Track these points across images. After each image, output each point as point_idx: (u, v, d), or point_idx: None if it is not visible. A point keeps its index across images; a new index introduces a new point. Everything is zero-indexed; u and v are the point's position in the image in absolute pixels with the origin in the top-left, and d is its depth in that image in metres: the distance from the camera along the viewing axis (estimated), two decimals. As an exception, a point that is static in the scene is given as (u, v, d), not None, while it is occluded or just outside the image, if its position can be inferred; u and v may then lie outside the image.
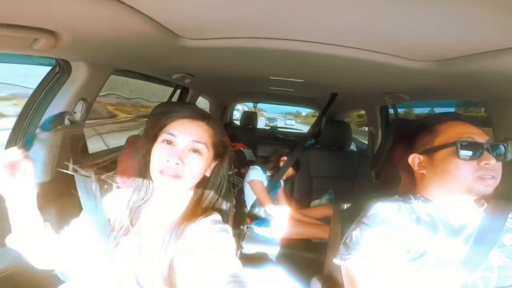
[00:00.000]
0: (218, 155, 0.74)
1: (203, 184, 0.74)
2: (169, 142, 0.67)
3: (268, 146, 2.31)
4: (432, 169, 0.73)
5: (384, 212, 0.72)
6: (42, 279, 0.91)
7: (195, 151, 0.67)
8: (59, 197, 1.09)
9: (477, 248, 0.67)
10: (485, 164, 0.66)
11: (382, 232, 0.70)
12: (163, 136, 0.68)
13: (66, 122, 1.08)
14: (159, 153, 0.67)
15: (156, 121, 0.72)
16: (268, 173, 1.93)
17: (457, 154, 0.67)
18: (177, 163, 0.64)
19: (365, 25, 0.69)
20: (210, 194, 0.74)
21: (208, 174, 0.74)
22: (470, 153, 0.67)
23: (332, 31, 0.77)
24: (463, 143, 0.67)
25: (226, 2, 0.63)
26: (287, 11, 0.66)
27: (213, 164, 0.74)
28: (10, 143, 1.06)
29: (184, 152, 0.66)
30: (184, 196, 0.73)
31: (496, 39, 0.66)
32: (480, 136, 0.69)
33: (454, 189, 0.70)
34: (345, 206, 1.00)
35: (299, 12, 0.66)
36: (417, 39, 0.74)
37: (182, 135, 0.67)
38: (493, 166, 0.67)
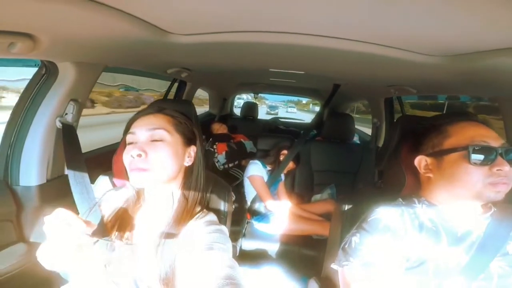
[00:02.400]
0: (190, 140, 0.74)
1: (186, 177, 0.74)
2: (132, 143, 0.68)
3: (269, 138, 2.28)
4: (440, 172, 0.70)
5: (385, 218, 0.70)
6: (47, 279, 0.93)
7: (157, 139, 0.68)
8: (55, 198, 1.10)
9: (479, 256, 0.65)
10: (498, 170, 0.62)
11: (382, 239, 0.67)
12: (126, 138, 0.70)
13: (58, 124, 1.05)
14: (125, 154, 0.68)
15: (124, 129, 0.73)
16: (268, 168, 1.90)
17: (468, 158, 0.63)
18: (139, 155, 0.65)
19: (371, 18, 0.64)
20: (193, 186, 0.74)
21: (187, 164, 0.73)
22: (482, 158, 0.63)
23: (335, 24, 0.72)
24: (475, 147, 0.63)
25: None
26: (284, 3, 0.61)
27: (192, 152, 0.74)
28: (3, 148, 1.05)
29: (145, 144, 0.67)
30: (172, 194, 0.73)
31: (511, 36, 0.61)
32: (494, 140, 0.65)
33: (462, 195, 0.66)
34: (346, 206, 0.97)
35: (299, 4, 0.61)
36: (427, 33, 0.69)
37: (139, 129, 0.68)
38: (506, 172, 0.63)
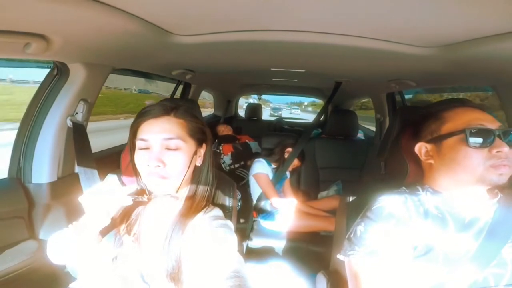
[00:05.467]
0: (201, 141, 0.74)
1: (195, 175, 0.74)
2: (144, 148, 0.67)
3: (273, 137, 2.29)
4: (440, 158, 0.70)
5: (389, 205, 0.69)
6: (56, 276, 0.95)
7: (172, 148, 0.67)
8: (66, 195, 1.13)
9: (489, 242, 0.63)
10: (498, 152, 0.62)
11: (387, 227, 0.67)
12: (137, 144, 0.68)
13: (68, 123, 1.09)
14: (138, 161, 0.67)
15: (130, 130, 0.71)
16: (273, 165, 1.91)
17: (466, 141, 0.63)
18: (158, 166, 0.64)
19: (365, 12, 0.66)
20: (202, 183, 0.74)
21: (199, 164, 0.74)
22: (480, 140, 0.63)
23: (332, 20, 0.74)
24: (472, 130, 0.63)
25: None
26: (282, 2, 0.63)
27: (202, 151, 0.74)
28: (16, 146, 1.09)
29: (161, 153, 0.66)
30: (181, 191, 0.73)
31: (502, 22, 0.62)
32: (490, 123, 0.65)
33: (464, 180, 0.66)
34: (351, 198, 0.98)
35: (297, 2, 0.63)
36: (419, 24, 0.71)
37: (153, 137, 0.66)
38: (506, 154, 0.62)
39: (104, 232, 0.70)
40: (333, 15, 0.70)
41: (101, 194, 0.63)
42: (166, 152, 0.66)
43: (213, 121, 3.44)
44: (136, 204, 0.75)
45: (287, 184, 1.98)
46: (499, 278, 0.61)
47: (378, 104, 2.31)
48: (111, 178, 1.07)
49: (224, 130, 2.86)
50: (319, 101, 4.92)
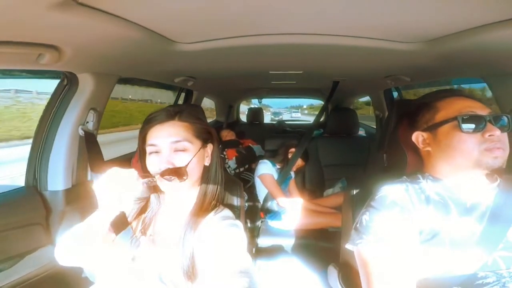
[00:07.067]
0: (208, 141, 0.76)
1: (204, 174, 0.77)
2: (154, 152, 0.70)
3: (276, 139, 2.32)
4: (437, 145, 0.72)
5: (392, 193, 0.71)
6: (75, 281, 0.98)
7: (180, 150, 0.70)
8: (81, 202, 1.17)
9: (493, 226, 0.64)
10: (490, 135, 0.65)
11: (391, 214, 0.68)
12: (147, 149, 0.71)
13: (80, 132, 1.14)
14: (150, 165, 0.70)
15: (139, 137, 0.74)
16: (278, 166, 1.94)
17: (459, 127, 0.66)
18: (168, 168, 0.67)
19: (355, 12, 0.69)
20: (211, 182, 0.77)
21: (207, 164, 0.77)
22: (473, 126, 0.66)
23: (325, 22, 0.78)
24: (464, 117, 0.66)
25: (212, 5, 0.65)
26: (276, 7, 0.67)
27: (210, 151, 0.77)
28: (32, 155, 1.14)
29: (170, 156, 0.69)
30: (192, 191, 0.76)
31: (485, 14, 0.65)
32: (481, 109, 0.68)
33: (462, 165, 0.68)
34: (355, 191, 1.00)
35: (289, 6, 0.67)
36: (405, 20, 0.74)
37: (161, 141, 0.69)
38: (499, 137, 0.65)
39: (117, 228, 0.72)
40: (326, 17, 0.74)
41: (113, 179, 0.62)
42: (175, 155, 0.69)
43: (216, 127, 3.49)
44: (148, 193, 0.77)
45: (292, 184, 2.00)
46: (508, 261, 0.62)
47: (376, 101, 2.34)
48: None
49: (227, 135, 2.89)
50: (316, 104, 4.97)
